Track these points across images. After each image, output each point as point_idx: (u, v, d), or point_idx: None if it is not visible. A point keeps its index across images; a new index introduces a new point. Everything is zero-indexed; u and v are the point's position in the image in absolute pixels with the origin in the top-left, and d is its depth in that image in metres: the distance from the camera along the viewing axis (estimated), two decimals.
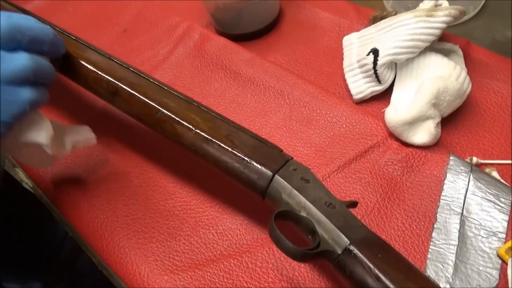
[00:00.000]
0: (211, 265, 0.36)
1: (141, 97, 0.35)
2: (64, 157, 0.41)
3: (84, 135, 0.39)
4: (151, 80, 0.37)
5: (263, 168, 0.31)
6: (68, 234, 0.48)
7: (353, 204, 0.32)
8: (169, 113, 0.34)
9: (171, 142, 0.36)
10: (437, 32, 0.41)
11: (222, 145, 0.32)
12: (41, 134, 0.32)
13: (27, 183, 0.48)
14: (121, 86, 0.35)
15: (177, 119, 0.33)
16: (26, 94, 0.30)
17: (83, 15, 0.67)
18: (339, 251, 0.28)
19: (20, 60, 0.30)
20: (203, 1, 0.54)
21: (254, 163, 0.31)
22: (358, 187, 0.39)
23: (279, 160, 0.32)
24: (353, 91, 0.45)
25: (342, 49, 0.50)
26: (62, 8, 0.69)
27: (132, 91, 0.35)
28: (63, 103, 0.53)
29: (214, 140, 0.32)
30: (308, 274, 0.35)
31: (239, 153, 0.32)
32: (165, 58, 0.56)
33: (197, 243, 0.38)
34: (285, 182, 0.31)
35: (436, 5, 0.44)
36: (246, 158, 0.32)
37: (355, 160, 0.40)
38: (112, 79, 0.35)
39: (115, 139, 0.48)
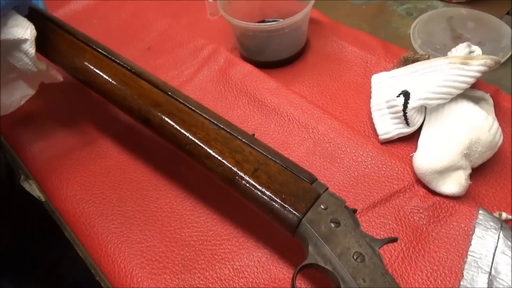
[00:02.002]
0: None
1: (170, 128, 0.34)
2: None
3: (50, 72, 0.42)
4: (183, 103, 0.36)
5: (290, 209, 0.30)
6: (69, 246, 0.47)
7: (393, 240, 0.31)
8: (198, 145, 0.33)
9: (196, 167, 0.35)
10: (471, 80, 0.40)
11: (250, 181, 0.31)
12: (27, 31, 0.35)
13: (39, 196, 0.47)
14: (152, 117, 0.34)
15: (205, 150, 0.33)
16: None
17: (107, 28, 0.67)
18: None
19: None
20: (231, 26, 0.54)
21: (281, 204, 0.30)
22: (382, 233, 0.37)
23: (309, 197, 0.31)
24: (380, 131, 0.45)
25: (369, 85, 0.50)
26: (87, 20, 0.69)
27: (162, 122, 0.34)
28: (88, 114, 0.52)
29: (241, 176, 0.32)
30: None
31: (266, 191, 0.31)
32: (189, 79, 0.55)
33: (212, 278, 0.37)
34: (312, 230, 0.30)
35: (470, 52, 0.44)
36: (273, 197, 0.31)
37: (380, 204, 0.39)
38: (143, 109, 0.35)
39: (137, 157, 0.47)
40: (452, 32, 0.56)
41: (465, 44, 0.43)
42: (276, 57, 0.55)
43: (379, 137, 0.45)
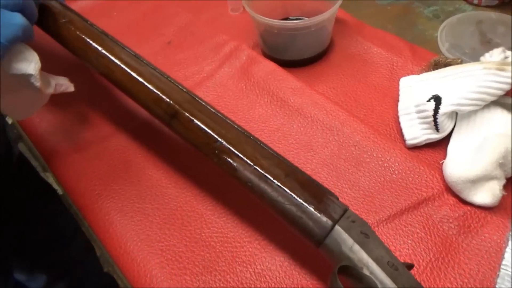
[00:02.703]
0: None
1: (201, 124, 0.33)
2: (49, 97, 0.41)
3: (65, 81, 0.41)
4: (209, 107, 0.35)
5: (323, 216, 0.29)
6: (79, 233, 0.47)
7: (410, 266, 0.30)
8: (228, 145, 0.32)
9: (221, 172, 0.34)
10: (507, 87, 0.39)
11: (281, 185, 0.30)
12: (31, 65, 0.35)
13: (57, 189, 0.46)
14: (181, 110, 0.33)
15: (235, 152, 0.32)
16: (18, 19, 0.32)
17: (127, 21, 0.66)
18: None
19: None
20: (254, 23, 0.53)
21: (313, 210, 0.29)
22: (409, 241, 0.36)
23: (338, 209, 0.30)
24: (407, 135, 0.43)
25: (395, 88, 0.49)
26: (106, 12, 0.68)
27: (191, 117, 0.33)
28: (106, 108, 0.51)
29: (272, 179, 0.31)
30: None
31: (298, 196, 0.30)
32: (210, 76, 0.54)
33: (233, 281, 0.36)
34: (346, 234, 0.28)
35: (505, 58, 0.42)
36: (305, 203, 0.30)
37: (407, 211, 0.38)
38: (172, 102, 0.34)
39: (155, 153, 0.46)
40: (482, 37, 0.54)
41: (500, 49, 0.42)
42: (299, 56, 0.54)
43: (406, 142, 0.44)
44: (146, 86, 0.35)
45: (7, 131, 0.55)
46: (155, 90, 0.35)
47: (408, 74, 0.51)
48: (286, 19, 0.59)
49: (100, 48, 0.39)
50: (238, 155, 0.32)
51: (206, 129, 0.33)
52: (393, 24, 0.60)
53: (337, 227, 0.29)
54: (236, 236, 0.39)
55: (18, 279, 0.64)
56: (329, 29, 0.54)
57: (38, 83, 0.36)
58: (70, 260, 0.67)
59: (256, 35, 0.56)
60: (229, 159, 0.32)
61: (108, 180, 0.43)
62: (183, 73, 0.56)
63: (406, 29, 0.59)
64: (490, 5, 0.60)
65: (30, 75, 0.35)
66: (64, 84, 0.40)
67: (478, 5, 0.61)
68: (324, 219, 0.29)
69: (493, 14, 0.58)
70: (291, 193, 0.30)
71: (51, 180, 0.46)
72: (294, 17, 0.59)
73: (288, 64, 0.54)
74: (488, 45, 0.53)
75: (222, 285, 0.36)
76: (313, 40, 0.53)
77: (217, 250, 0.38)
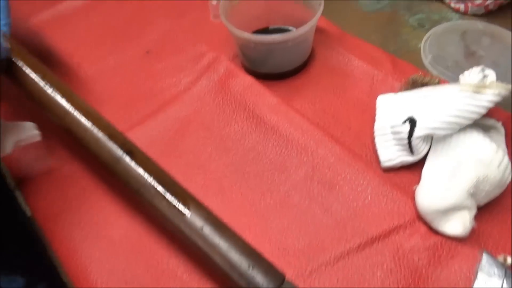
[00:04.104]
0: None
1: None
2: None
3: (27, 133, 0.39)
4: None
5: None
6: None
7: None
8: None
9: None
10: (483, 111, 0.38)
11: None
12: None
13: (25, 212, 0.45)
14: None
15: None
16: None
17: (106, 28, 0.64)
18: None
19: None
20: (232, 35, 0.51)
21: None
22: (379, 272, 0.36)
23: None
24: (382, 157, 0.43)
25: (373, 104, 0.47)
26: (85, 18, 0.67)
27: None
28: None
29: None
30: None
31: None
32: (187, 89, 0.53)
33: None
34: None
35: (484, 76, 0.41)
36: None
37: (378, 240, 0.37)
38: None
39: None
40: (466, 49, 0.53)
41: (479, 68, 0.41)
42: (278, 69, 0.52)
43: (381, 163, 0.43)
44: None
45: None
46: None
47: (388, 89, 0.50)
48: (267, 28, 0.58)
49: None
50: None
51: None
52: (377, 33, 0.58)
53: None
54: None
55: None
56: (309, 41, 0.52)
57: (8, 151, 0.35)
58: (49, 261, 0.67)
59: (236, 47, 0.55)
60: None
61: (76, 204, 0.43)
62: (161, 84, 0.55)
63: (390, 38, 0.57)
64: (477, 13, 0.58)
65: None
66: (24, 139, 0.39)
67: (465, 13, 0.59)
68: None
69: (479, 24, 0.56)
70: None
71: (20, 200, 0.46)
72: (276, 26, 0.58)
73: (267, 76, 0.53)
74: (472, 57, 0.52)
75: None
76: (292, 53, 0.51)
77: (184, 281, 0.37)
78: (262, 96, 0.49)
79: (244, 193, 0.43)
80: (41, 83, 0.42)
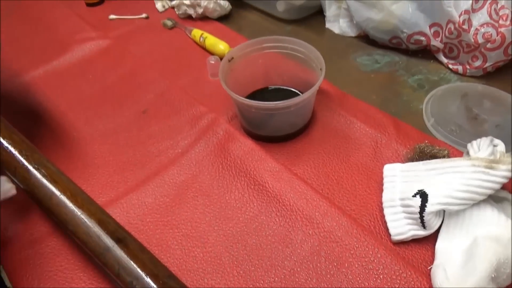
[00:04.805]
0: None
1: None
2: None
3: (3, 187, 0.37)
4: None
5: None
6: None
7: None
8: None
9: None
10: (497, 186, 0.36)
11: None
12: None
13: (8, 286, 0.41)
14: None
15: None
16: None
17: (102, 86, 0.63)
18: None
19: None
20: (232, 99, 0.50)
21: None
22: None
23: None
24: (392, 230, 0.40)
25: (379, 168, 0.46)
26: (82, 74, 0.66)
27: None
28: None
29: None
30: None
31: None
32: (184, 152, 0.51)
33: None
34: None
35: (493, 146, 0.40)
36: None
37: None
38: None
39: None
40: (468, 112, 0.52)
41: (488, 140, 0.40)
42: (279, 132, 0.51)
43: (392, 237, 0.40)
44: None
45: None
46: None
47: (393, 154, 0.49)
48: (266, 88, 0.57)
49: None
50: None
51: None
52: (377, 94, 0.58)
53: None
54: None
55: None
56: (311, 104, 0.52)
57: None
58: None
59: (235, 109, 0.54)
60: None
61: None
62: (157, 147, 0.53)
63: (391, 100, 0.57)
64: (476, 75, 0.59)
65: None
66: (3, 194, 0.37)
67: (463, 75, 0.60)
68: None
69: (479, 86, 0.56)
70: None
71: (3, 274, 0.42)
72: (275, 87, 0.57)
73: (268, 139, 0.52)
74: (475, 121, 0.51)
75: None
76: (294, 117, 0.50)
77: None
78: (264, 162, 0.48)
79: (246, 270, 0.40)
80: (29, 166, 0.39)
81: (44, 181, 0.38)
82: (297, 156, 0.50)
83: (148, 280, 0.32)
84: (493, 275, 0.33)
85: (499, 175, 0.36)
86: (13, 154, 0.40)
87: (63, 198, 0.37)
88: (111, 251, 0.33)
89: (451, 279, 0.34)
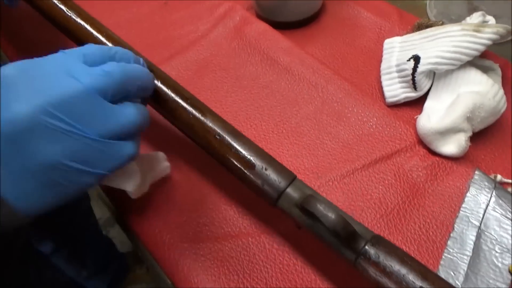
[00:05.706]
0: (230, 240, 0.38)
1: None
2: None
3: (160, 167, 0.39)
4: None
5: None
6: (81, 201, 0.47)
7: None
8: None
9: None
10: (482, 48, 0.41)
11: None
12: (130, 183, 0.32)
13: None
14: None
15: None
16: (128, 148, 0.27)
17: None
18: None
19: (130, 116, 0.27)
20: None
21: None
22: (380, 187, 0.39)
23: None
24: (387, 94, 0.46)
25: (380, 51, 0.51)
26: None
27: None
28: None
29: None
30: (327, 261, 0.36)
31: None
32: (204, 35, 0.56)
33: (218, 218, 0.39)
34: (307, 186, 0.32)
35: (483, 21, 0.44)
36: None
37: (381, 161, 0.41)
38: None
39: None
40: (469, 4, 0.56)
41: (480, 13, 0.44)
42: (291, 18, 0.56)
43: (386, 100, 0.46)
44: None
45: None
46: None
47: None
48: None
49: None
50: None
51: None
52: None
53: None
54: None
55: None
56: None
57: (133, 196, 0.34)
58: (73, 227, 0.70)
59: None
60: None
61: None
62: (179, 32, 0.58)
63: None
64: None
65: (127, 191, 0.34)
66: (158, 175, 0.39)
67: None
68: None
69: None
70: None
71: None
72: None
73: (280, 25, 0.56)
74: (474, 12, 0.55)
75: (207, 221, 0.39)
76: (304, 3, 0.54)
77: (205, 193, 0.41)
78: (276, 41, 0.53)
79: (258, 124, 0.46)
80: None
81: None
82: (307, 39, 0.55)
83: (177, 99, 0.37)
84: (468, 115, 0.39)
85: (485, 37, 0.41)
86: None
87: None
88: None
89: (433, 121, 0.40)
